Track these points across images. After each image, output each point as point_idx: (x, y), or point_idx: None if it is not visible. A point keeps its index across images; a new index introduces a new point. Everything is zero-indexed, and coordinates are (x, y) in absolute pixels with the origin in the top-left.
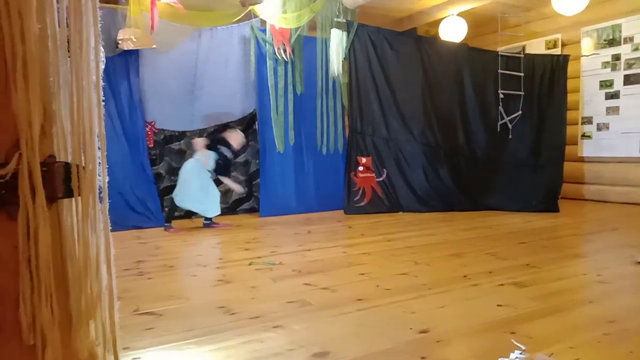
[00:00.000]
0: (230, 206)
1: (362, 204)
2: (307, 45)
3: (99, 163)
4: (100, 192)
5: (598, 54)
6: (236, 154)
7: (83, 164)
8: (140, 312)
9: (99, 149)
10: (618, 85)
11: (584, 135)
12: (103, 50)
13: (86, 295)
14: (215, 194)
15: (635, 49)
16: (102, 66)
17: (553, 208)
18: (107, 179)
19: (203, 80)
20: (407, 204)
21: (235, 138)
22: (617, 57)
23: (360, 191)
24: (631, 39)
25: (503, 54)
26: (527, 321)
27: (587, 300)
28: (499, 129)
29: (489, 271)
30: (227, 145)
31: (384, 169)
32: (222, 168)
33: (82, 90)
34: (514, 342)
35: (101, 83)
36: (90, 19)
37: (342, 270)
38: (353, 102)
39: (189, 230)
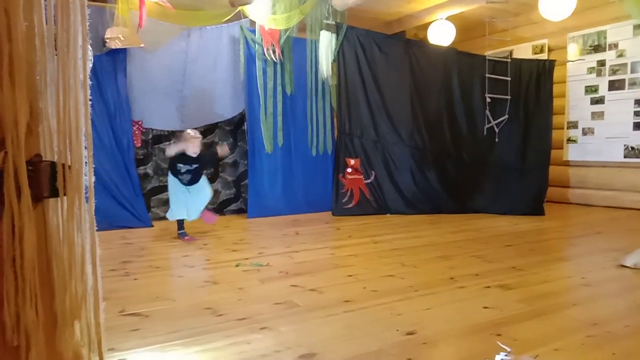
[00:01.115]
0: (218, 207)
1: (350, 205)
2: (297, 47)
3: (86, 162)
4: (86, 192)
5: (583, 59)
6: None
7: (69, 163)
8: (126, 313)
9: (85, 148)
10: (603, 90)
11: (569, 140)
12: (91, 48)
13: (71, 296)
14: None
15: (620, 55)
16: (89, 65)
17: (539, 211)
18: (93, 179)
19: (192, 80)
20: (394, 206)
21: (194, 143)
22: (602, 63)
23: (349, 193)
24: (616, 46)
25: (490, 58)
26: (512, 323)
27: (572, 303)
28: (485, 133)
29: (476, 273)
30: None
31: (372, 171)
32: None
33: (69, 88)
34: (500, 344)
35: (88, 82)
36: (78, 17)
37: (329, 272)
38: (342, 104)
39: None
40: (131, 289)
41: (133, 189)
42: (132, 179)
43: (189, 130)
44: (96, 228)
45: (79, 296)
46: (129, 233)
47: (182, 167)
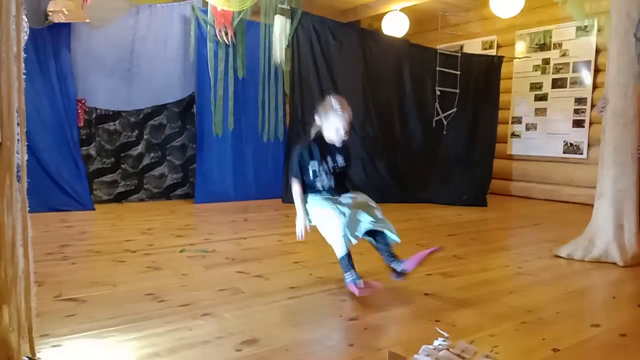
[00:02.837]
0: (164, 191)
1: None
2: (250, 30)
3: (18, 140)
4: (18, 171)
5: (530, 57)
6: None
7: (0, 141)
8: (62, 298)
9: (18, 124)
10: (547, 88)
11: (513, 134)
12: (26, 20)
13: (0, 280)
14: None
15: (563, 55)
16: (24, 37)
17: (482, 203)
18: (26, 157)
19: (140, 59)
20: None
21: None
22: (547, 61)
23: None
24: (560, 45)
25: (442, 51)
26: (451, 310)
27: (508, 291)
28: (434, 125)
29: None
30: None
31: None
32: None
33: (0, 62)
34: (438, 330)
35: (22, 55)
36: None
37: (276, 259)
38: (295, 91)
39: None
40: (69, 273)
41: (75, 170)
42: (75, 160)
43: (332, 99)
44: (31, 209)
45: (9, 280)
46: (69, 216)
47: (319, 168)
